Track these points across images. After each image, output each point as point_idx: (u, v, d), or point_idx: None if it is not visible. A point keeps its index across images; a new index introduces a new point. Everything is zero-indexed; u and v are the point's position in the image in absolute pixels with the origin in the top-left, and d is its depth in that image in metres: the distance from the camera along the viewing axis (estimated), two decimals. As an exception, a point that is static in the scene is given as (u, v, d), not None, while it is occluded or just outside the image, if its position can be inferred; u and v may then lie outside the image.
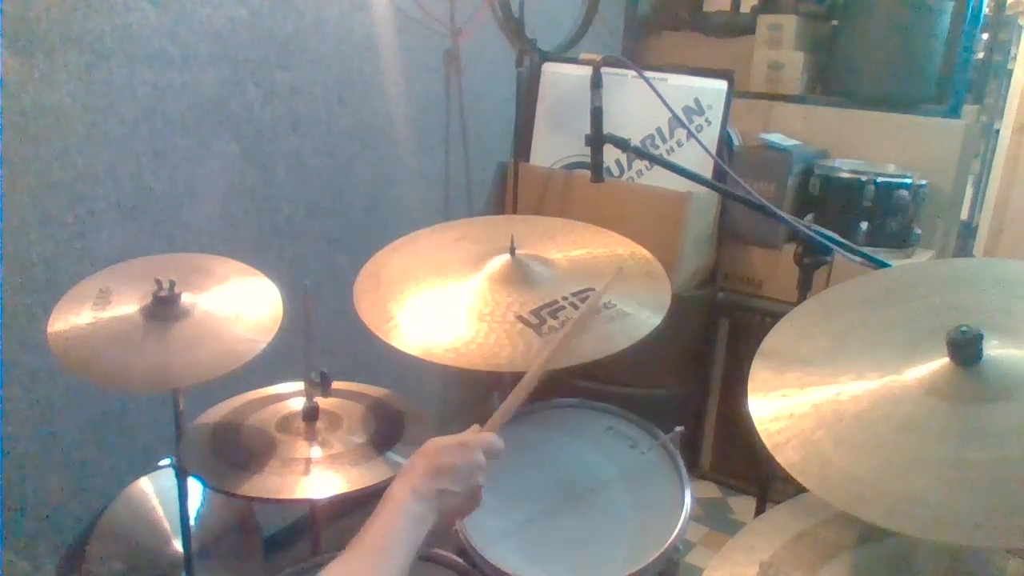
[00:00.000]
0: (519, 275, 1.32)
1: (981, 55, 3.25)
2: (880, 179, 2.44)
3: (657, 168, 2.32)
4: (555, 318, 1.22)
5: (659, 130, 2.53)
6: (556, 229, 1.54)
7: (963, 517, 0.72)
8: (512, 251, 1.35)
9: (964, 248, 3.53)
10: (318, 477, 1.24)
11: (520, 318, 1.22)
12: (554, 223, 1.60)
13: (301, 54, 1.99)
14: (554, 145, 2.69)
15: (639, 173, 2.56)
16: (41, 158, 1.54)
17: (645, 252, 1.45)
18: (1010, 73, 3.60)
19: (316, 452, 1.30)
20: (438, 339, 1.19)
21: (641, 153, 1.46)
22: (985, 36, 3.23)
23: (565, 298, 1.27)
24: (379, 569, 0.80)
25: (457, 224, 1.61)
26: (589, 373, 2.39)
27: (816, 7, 2.97)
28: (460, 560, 1.19)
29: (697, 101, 2.48)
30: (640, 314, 1.26)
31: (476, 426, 0.99)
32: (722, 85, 2.46)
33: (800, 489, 0.83)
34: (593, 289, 1.29)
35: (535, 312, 1.23)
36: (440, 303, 1.27)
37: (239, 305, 1.32)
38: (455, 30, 2.42)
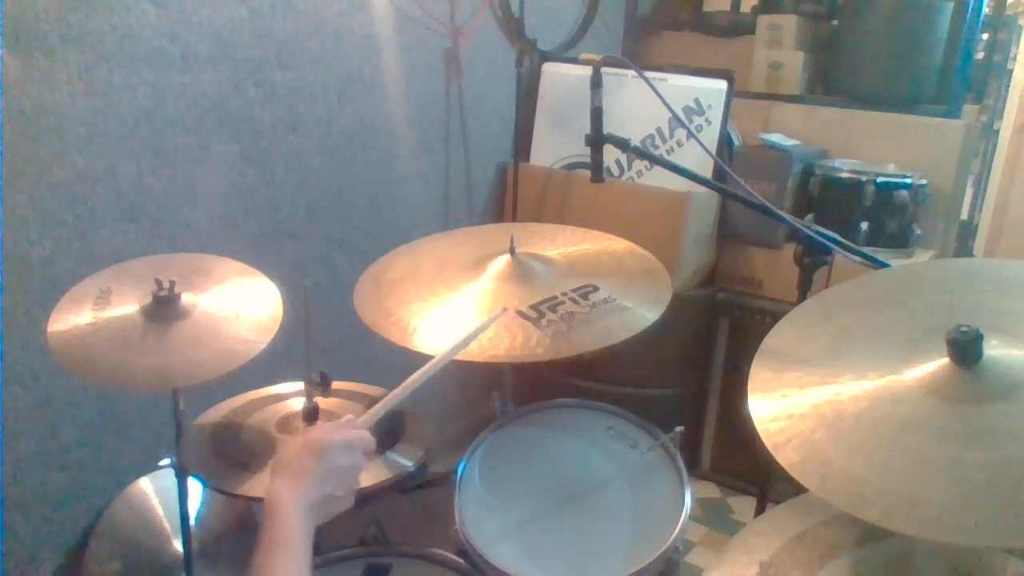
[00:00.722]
0: (519, 273, 1.33)
1: (981, 55, 3.25)
2: (880, 179, 2.44)
3: (657, 168, 2.32)
4: (554, 312, 1.23)
5: (659, 130, 2.53)
6: (555, 233, 1.54)
7: (963, 517, 0.72)
8: (512, 250, 1.36)
9: (964, 248, 3.53)
10: (318, 477, 1.24)
11: (520, 313, 1.22)
12: (552, 228, 1.60)
13: (301, 54, 1.99)
14: (554, 145, 2.69)
15: (639, 173, 2.56)
16: (41, 158, 1.54)
17: (644, 251, 1.45)
18: (1010, 73, 3.60)
19: (316, 452, 1.29)
20: (438, 335, 1.19)
21: (641, 153, 1.47)
22: (985, 36, 3.23)
23: (564, 293, 1.28)
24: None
25: (456, 233, 1.63)
26: (589, 373, 2.39)
27: (816, 7, 2.97)
28: (460, 560, 1.19)
29: (697, 101, 2.48)
30: (641, 308, 1.27)
31: (351, 416, 0.97)
32: (722, 85, 2.46)
33: (800, 489, 0.83)
34: (595, 287, 1.30)
35: (534, 307, 1.24)
36: (441, 301, 1.28)
37: (239, 305, 1.32)
38: (455, 30, 2.42)
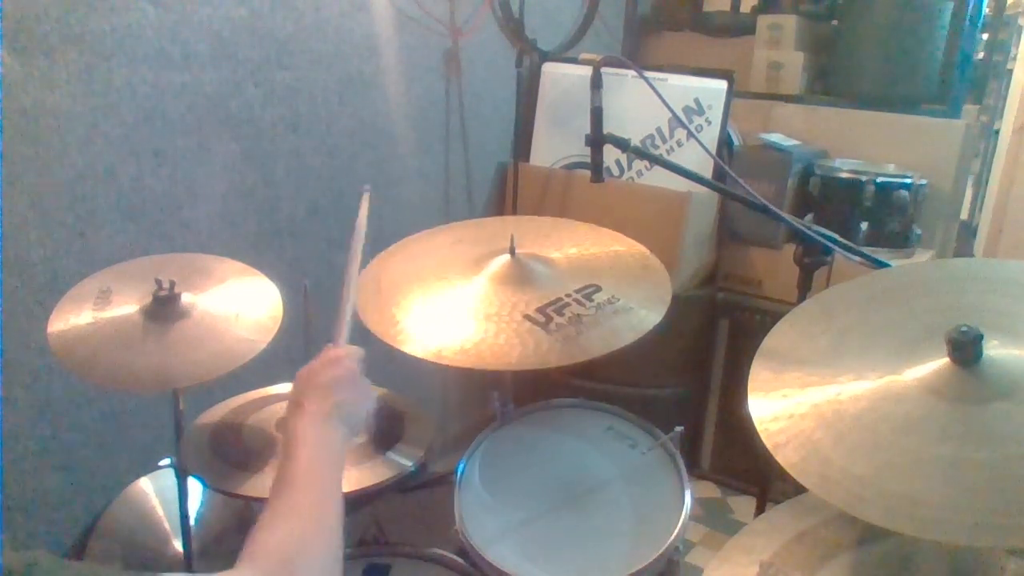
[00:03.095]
0: (521, 274, 1.32)
1: (981, 55, 3.25)
2: (880, 179, 2.44)
3: (657, 168, 2.31)
4: (561, 315, 1.23)
5: (659, 130, 2.53)
6: (550, 228, 1.54)
7: (963, 517, 0.72)
8: (512, 251, 1.35)
9: (964, 248, 3.53)
10: (318, 477, 1.23)
11: (527, 317, 1.22)
12: (545, 222, 1.60)
13: (301, 54, 1.99)
14: (554, 145, 2.68)
15: (639, 173, 2.56)
16: (41, 158, 1.54)
17: (642, 247, 1.45)
18: (1010, 73, 3.60)
19: (316, 452, 1.29)
20: (447, 341, 1.19)
21: (641, 153, 1.47)
22: (985, 36, 3.22)
23: (568, 295, 1.28)
24: (321, 491, 0.80)
25: (451, 227, 1.62)
26: (589, 373, 2.39)
27: (816, 7, 2.96)
28: (460, 560, 1.19)
29: (697, 101, 2.48)
30: (644, 308, 1.27)
31: (330, 345, 0.99)
32: (722, 85, 2.46)
33: (800, 489, 0.83)
34: (597, 286, 1.30)
35: (541, 310, 1.24)
36: (444, 306, 1.27)
37: (239, 305, 1.32)
38: (455, 30, 2.42)
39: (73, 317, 1.25)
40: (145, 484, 1.81)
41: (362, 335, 1.25)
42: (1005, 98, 3.62)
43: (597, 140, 1.41)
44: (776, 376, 0.94)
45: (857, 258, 1.30)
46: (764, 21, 2.96)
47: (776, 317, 1.05)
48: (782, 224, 1.52)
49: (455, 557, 1.21)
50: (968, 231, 3.65)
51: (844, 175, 2.49)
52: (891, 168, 2.54)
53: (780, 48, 2.92)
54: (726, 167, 1.74)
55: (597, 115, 1.41)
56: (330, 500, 0.81)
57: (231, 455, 1.30)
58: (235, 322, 1.29)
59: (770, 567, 0.94)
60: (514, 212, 2.66)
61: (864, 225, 2.44)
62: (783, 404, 0.90)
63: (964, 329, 0.83)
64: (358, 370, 0.95)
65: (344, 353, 0.95)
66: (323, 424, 0.86)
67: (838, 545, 0.97)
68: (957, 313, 0.90)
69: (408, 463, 1.30)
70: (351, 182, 2.21)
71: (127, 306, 1.27)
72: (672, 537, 1.16)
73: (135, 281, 1.31)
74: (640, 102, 2.43)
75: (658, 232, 2.31)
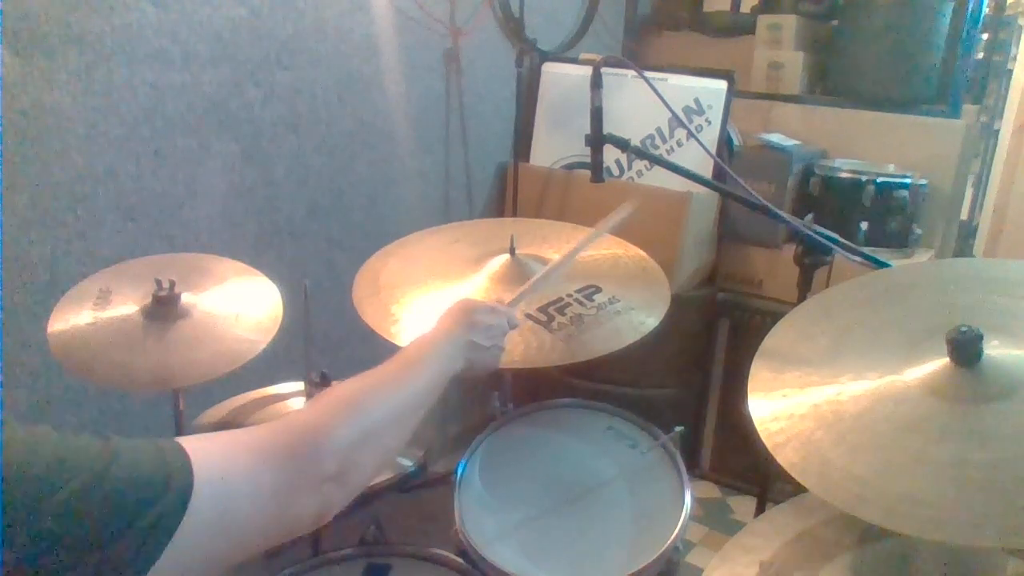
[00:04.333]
0: (521, 274, 1.32)
1: (981, 55, 3.25)
2: (880, 179, 2.44)
3: (657, 168, 2.31)
4: (563, 314, 1.23)
5: (659, 130, 2.53)
6: (548, 230, 1.54)
7: (963, 517, 0.72)
8: (512, 251, 1.36)
9: (964, 248, 3.53)
10: (318, 477, 1.23)
11: (529, 316, 1.22)
12: (543, 225, 1.60)
13: (301, 54, 1.99)
14: (554, 145, 2.68)
15: (639, 173, 2.56)
16: (41, 158, 1.54)
17: (640, 251, 1.46)
18: (1010, 73, 3.60)
19: (316, 452, 1.29)
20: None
21: (641, 153, 1.46)
22: (985, 36, 3.22)
23: (569, 295, 1.28)
24: (401, 380, 0.86)
25: (449, 227, 1.62)
26: (589, 373, 2.39)
27: (816, 7, 2.96)
28: (460, 560, 1.19)
29: (697, 101, 2.48)
30: (644, 309, 1.27)
31: (502, 301, 1.10)
32: (722, 85, 2.46)
33: (800, 489, 0.83)
34: (598, 287, 1.30)
35: (543, 309, 1.24)
36: (444, 303, 1.27)
37: (239, 305, 1.32)
38: (455, 30, 2.42)
39: (73, 317, 1.25)
40: (145, 484, 1.81)
41: (363, 335, 1.25)
42: (1005, 98, 3.62)
43: (597, 140, 1.41)
44: (776, 376, 0.94)
45: (857, 258, 1.30)
46: (764, 21, 2.96)
47: (776, 317, 1.05)
48: (782, 224, 1.52)
49: (455, 557, 1.21)
50: (968, 231, 3.65)
51: (844, 175, 2.50)
52: (891, 168, 2.55)
53: (780, 48, 2.92)
54: (726, 167, 1.74)
55: (597, 115, 1.41)
56: (421, 383, 0.87)
57: (231, 455, 1.30)
58: (235, 322, 1.29)
59: (770, 567, 0.94)
60: (514, 212, 2.66)
61: (864, 225, 2.45)
62: (783, 404, 0.90)
63: (964, 329, 0.83)
64: (506, 330, 1.05)
65: (509, 310, 1.08)
66: (453, 342, 0.95)
67: (838, 545, 0.97)
68: (957, 313, 0.90)
69: (408, 463, 1.30)
70: (351, 182, 2.22)
71: (127, 306, 1.27)
72: (672, 537, 1.16)
73: (135, 281, 1.31)
74: (640, 102, 2.43)
75: (658, 232, 2.31)
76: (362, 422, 0.76)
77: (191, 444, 0.63)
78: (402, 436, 0.83)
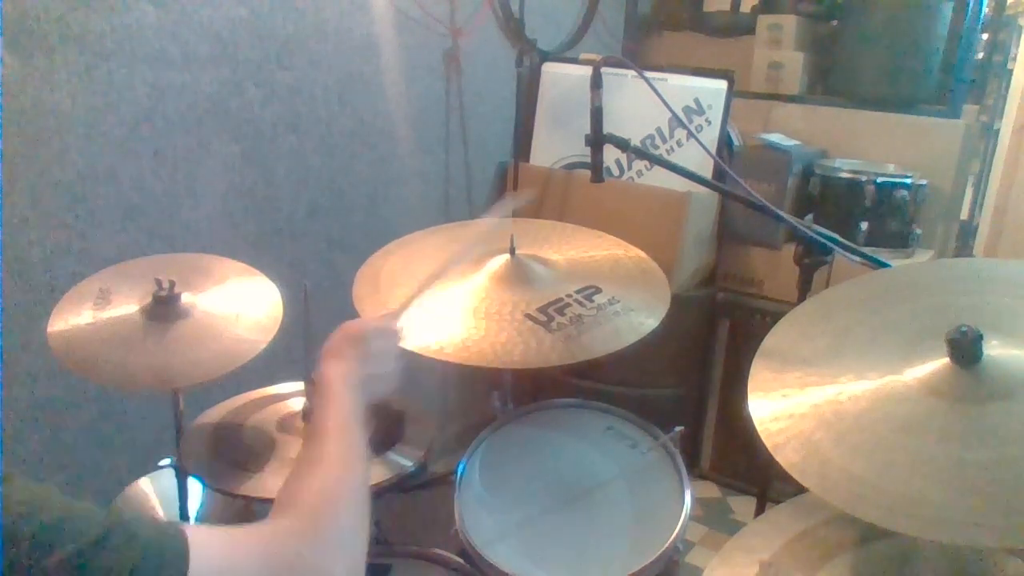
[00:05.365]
0: (521, 274, 1.33)
1: (981, 55, 3.25)
2: (880, 179, 2.44)
3: (657, 168, 2.31)
4: (562, 315, 1.23)
5: (659, 130, 2.53)
6: (549, 231, 1.54)
7: (963, 517, 0.72)
8: (512, 251, 1.36)
9: (964, 248, 3.53)
10: (318, 477, 1.23)
11: (529, 316, 1.22)
12: (544, 225, 1.60)
13: (301, 54, 1.99)
14: (554, 145, 2.68)
15: (639, 173, 2.56)
16: (41, 158, 1.54)
17: (640, 252, 1.46)
18: (1010, 73, 3.59)
19: (316, 452, 1.29)
20: (448, 338, 1.19)
21: (641, 153, 1.47)
22: (985, 36, 3.22)
23: (570, 295, 1.28)
24: (350, 444, 0.85)
25: (447, 228, 1.62)
26: (589, 373, 2.39)
27: (816, 7, 2.96)
28: (460, 560, 1.19)
29: (697, 101, 2.48)
30: (644, 309, 1.27)
31: (385, 311, 1.07)
32: (722, 85, 2.46)
33: (800, 489, 0.83)
34: (598, 288, 1.30)
35: (542, 310, 1.24)
36: (444, 303, 1.27)
37: (239, 305, 1.32)
38: (455, 30, 2.42)
39: (73, 317, 1.25)
40: (145, 484, 1.81)
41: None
42: (1005, 98, 3.61)
43: (597, 140, 1.41)
44: (776, 376, 0.94)
45: (857, 258, 1.30)
46: (764, 21, 2.96)
47: (776, 317, 1.05)
48: (782, 224, 1.52)
49: (455, 557, 1.21)
50: (968, 231, 3.65)
51: (844, 175, 2.50)
52: (891, 168, 2.55)
53: (780, 48, 2.92)
54: (726, 167, 1.74)
55: (597, 115, 1.41)
56: (358, 452, 0.85)
57: (231, 455, 1.30)
58: (235, 322, 1.29)
59: (770, 567, 0.94)
60: (514, 212, 2.66)
61: (864, 225, 2.45)
62: (783, 404, 0.90)
63: (964, 329, 0.83)
64: (393, 346, 1.02)
65: (391, 325, 1.04)
66: (357, 385, 0.92)
67: (838, 545, 0.97)
68: (957, 313, 0.90)
69: (408, 463, 1.30)
70: (351, 182, 2.22)
71: (127, 306, 1.27)
72: (672, 537, 1.16)
73: (135, 281, 1.31)
74: (640, 102, 2.43)
75: (658, 232, 2.31)
76: (341, 535, 0.76)
77: (194, 534, 0.62)
78: (367, 508, 0.82)
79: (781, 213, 1.34)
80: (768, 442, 0.86)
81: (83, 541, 0.55)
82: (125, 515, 0.59)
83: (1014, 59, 3.56)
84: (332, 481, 0.79)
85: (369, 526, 0.81)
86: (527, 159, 2.73)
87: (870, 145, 2.68)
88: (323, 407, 0.88)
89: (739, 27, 3.12)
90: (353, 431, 0.87)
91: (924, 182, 2.50)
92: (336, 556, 0.73)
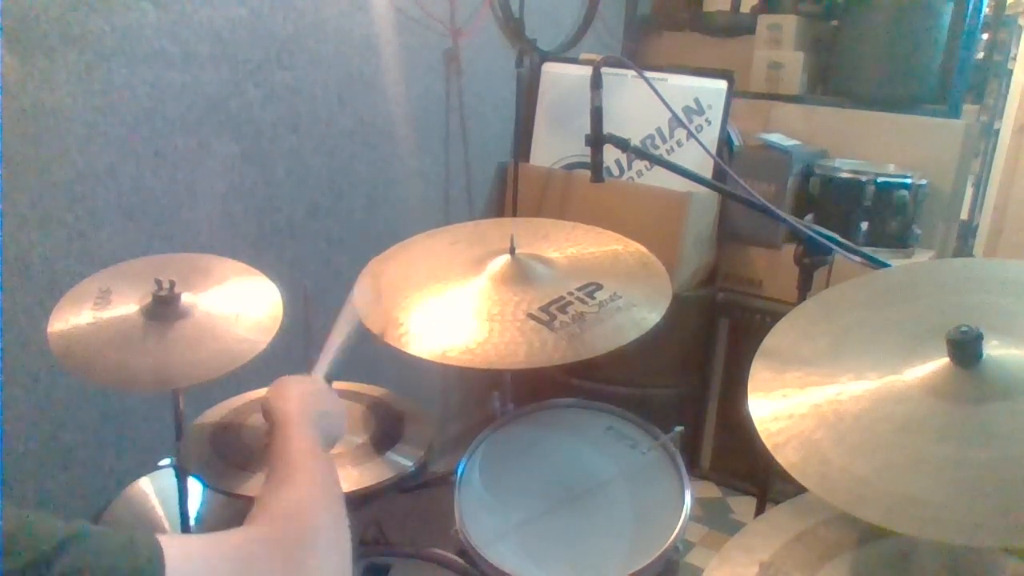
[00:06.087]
0: (521, 274, 1.32)
1: (981, 55, 3.25)
2: (880, 179, 2.44)
3: (657, 168, 2.31)
4: (564, 313, 1.23)
5: (659, 130, 2.53)
6: (548, 229, 1.54)
7: (963, 517, 0.72)
8: (512, 251, 1.35)
9: (964, 248, 3.53)
10: (318, 477, 1.23)
11: (531, 315, 1.22)
12: (544, 223, 1.60)
13: (301, 54, 1.99)
14: (554, 145, 2.69)
15: (639, 173, 2.56)
16: (41, 158, 1.54)
17: (639, 246, 1.45)
18: (1010, 73, 3.60)
19: (316, 452, 1.29)
20: (452, 342, 1.19)
21: (641, 153, 1.46)
22: (985, 36, 3.23)
23: (571, 293, 1.27)
24: (321, 464, 0.85)
25: (448, 229, 1.62)
26: (589, 373, 2.39)
27: (816, 7, 2.97)
28: (460, 560, 1.19)
29: (697, 101, 2.48)
30: (646, 304, 1.27)
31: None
32: (722, 85, 2.46)
33: (800, 489, 0.83)
34: (599, 284, 1.30)
35: (544, 309, 1.24)
36: (446, 306, 1.27)
37: (239, 305, 1.32)
38: (455, 30, 2.42)
39: (73, 317, 1.24)
40: (145, 484, 1.81)
41: (362, 335, 1.25)
42: (1005, 98, 3.62)
43: (597, 140, 1.41)
44: (776, 376, 0.94)
45: (857, 258, 1.30)
46: (764, 21, 2.96)
47: (776, 317, 1.05)
48: (782, 224, 1.52)
49: (455, 557, 1.21)
50: (968, 231, 3.65)
51: (844, 175, 2.50)
52: (891, 168, 2.55)
53: (780, 48, 2.92)
54: (726, 167, 1.74)
55: (597, 115, 1.41)
56: (329, 470, 0.84)
57: (231, 455, 1.30)
58: (235, 322, 1.29)
59: (770, 567, 0.94)
60: (514, 212, 2.66)
61: (864, 225, 2.45)
62: (783, 404, 0.90)
63: (964, 329, 0.83)
64: (325, 388, 1.04)
65: (321, 383, 1.06)
66: (310, 426, 0.91)
67: (838, 545, 0.97)
68: (957, 313, 0.90)
69: (408, 463, 1.30)
70: (351, 182, 2.22)
71: (127, 306, 1.27)
72: (672, 537, 1.16)
73: (135, 281, 1.31)
74: (640, 102, 2.43)
75: (658, 232, 2.31)
76: (317, 541, 0.74)
77: (169, 543, 0.60)
78: (344, 525, 0.81)
79: (781, 213, 1.34)
80: (768, 442, 0.86)
81: (32, 554, 0.53)
82: (93, 529, 0.57)
83: (1014, 59, 3.56)
84: (305, 492, 0.78)
85: (350, 545, 0.78)
86: (527, 159, 2.73)
87: (870, 145, 2.68)
88: (284, 438, 0.87)
89: (739, 27, 3.12)
90: (319, 454, 0.87)
91: (924, 182, 2.50)
92: (313, 564, 0.71)
